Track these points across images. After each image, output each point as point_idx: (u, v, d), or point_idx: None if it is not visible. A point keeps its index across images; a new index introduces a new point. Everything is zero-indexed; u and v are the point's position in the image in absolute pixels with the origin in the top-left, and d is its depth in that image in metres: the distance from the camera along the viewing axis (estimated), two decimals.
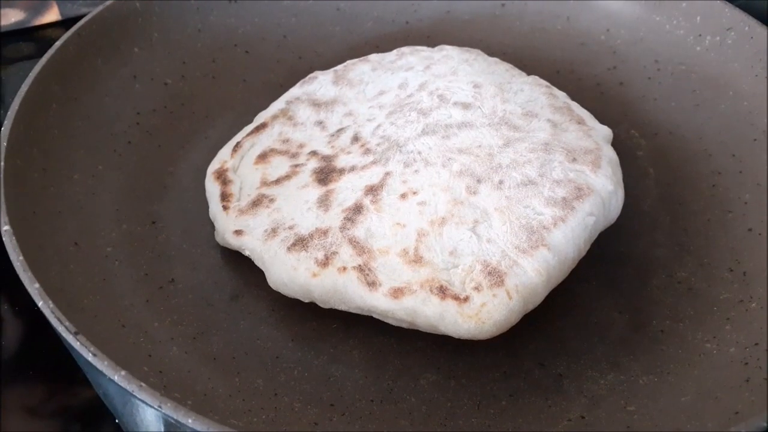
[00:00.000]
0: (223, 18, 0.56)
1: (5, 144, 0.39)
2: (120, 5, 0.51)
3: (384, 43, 0.58)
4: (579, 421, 0.35)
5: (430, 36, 0.59)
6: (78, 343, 0.29)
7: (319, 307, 0.41)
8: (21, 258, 0.33)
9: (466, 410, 0.36)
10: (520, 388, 0.37)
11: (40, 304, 0.31)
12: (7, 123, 0.40)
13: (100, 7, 0.49)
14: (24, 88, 0.43)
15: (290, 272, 0.38)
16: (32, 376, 0.40)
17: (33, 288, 0.32)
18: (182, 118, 0.51)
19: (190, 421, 0.27)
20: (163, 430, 0.31)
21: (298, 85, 0.51)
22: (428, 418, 0.35)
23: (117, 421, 0.35)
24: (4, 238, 0.34)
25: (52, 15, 0.65)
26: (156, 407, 0.27)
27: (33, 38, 0.64)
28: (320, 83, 0.51)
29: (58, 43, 0.46)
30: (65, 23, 0.64)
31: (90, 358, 0.29)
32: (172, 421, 0.27)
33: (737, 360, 0.36)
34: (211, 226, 0.44)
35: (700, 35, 0.52)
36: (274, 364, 0.38)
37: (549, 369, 0.37)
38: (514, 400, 0.36)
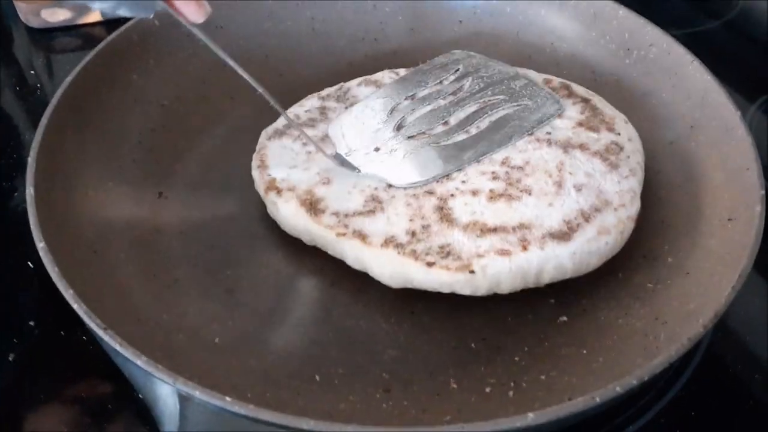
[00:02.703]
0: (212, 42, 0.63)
1: (33, 173, 0.46)
2: (119, 39, 0.58)
3: (356, 60, 0.65)
4: (510, 384, 0.43)
5: (396, 52, 0.66)
6: (108, 336, 0.37)
7: (300, 296, 0.49)
8: (56, 269, 0.41)
9: (420, 378, 0.44)
10: (464, 358, 0.45)
11: (75, 306, 0.39)
12: (32, 153, 0.48)
13: (101, 44, 0.56)
14: (44, 120, 0.50)
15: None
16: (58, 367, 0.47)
17: (68, 294, 0.40)
18: (178, 135, 0.59)
19: (197, 393, 0.35)
20: (177, 402, 0.39)
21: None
22: (391, 385, 0.43)
23: (140, 395, 0.43)
24: (40, 254, 0.42)
25: (95, 16, 0.75)
26: (171, 383, 0.35)
27: (78, 34, 0.75)
28: None
29: (69, 78, 0.53)
30: (106, 24, 0.75)
31: (118, 347, 0.37)
32: (184, 394, 0.35)
33: (640, 332, 0.44)
34: (206, 232, 0.52)
35: (628, 49, 0.59)
36: (264, 347, 0.46)
37: (489, 342, 0.46)
38: (459, 370, 0.44)
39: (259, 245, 0.52)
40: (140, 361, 0.36)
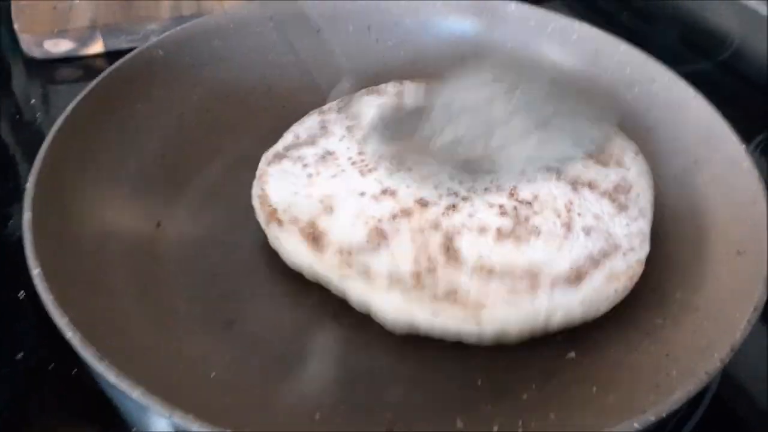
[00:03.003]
0: (216, 73, 0.63)
1: (31, 197, 0.45)
2: (125, 66, 0.57)
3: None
4: (518, 423, 0.41)
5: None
6: (103, 367, 0.36)
7: (300, 329, 0.47)
8: (51, 297, 0.39)
9: (425, 417, 0.42)
10: (470, 396, 0.43)
11: (69, 335, 0.38)
12: (31, 178, 0.47)
13: (104, 73, 0.56)
14: (44, 145, 0.49)
15: None
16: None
17: (62, 322, 0.38)
18: (178, 165, 0.58)
19: (195, 427, 0.33)
20: None
21: None
22: (395, 425, 0.42)
23: (134, 429, 0.42)
24: (35, 281, 0.40)
25: (98, 47, 0.75)
26: (167, 416, 0.34)
27: (80, 65, 0.75)
28: None
29: (72, 104, 0.53)
30: (108, 55, 0.75)
31: (113, 379, 0.35)
32: (181, 429, 0.33)
33: (651, 368, 0.43)
34: (205, 263, 0.51)
35: (629, 85, 0.60)
36: (263, 381, 0.44)
37: (496, 379, 0.44)
38: (465, 408, 0.43)
39: (260, 276, 0.51)
40: (136, 394, 0.35)
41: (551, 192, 0.50)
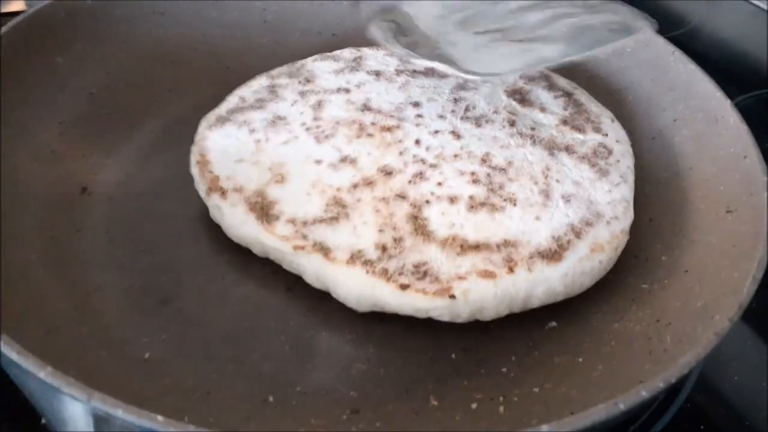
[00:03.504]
0: (150, 29, 0.56)
1: None
2: (42, 15, 0.50)
3: (311, 55, 0.59)
4: (499, 399, 0.37)
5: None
6: (2, 342, 0.29)
7: (251, 307, 0.42)
8: None
9: (394, 395, 0.37)
10: (444, 371, 0.39)
11: None
12: None
13: (20, 17, 0.49)
14: None
15: None
16: None
17: None
18: (108, 127, 0.51)
19: (120, 412, 0.27)
20: (92, 426, 0.31)
21: None
22: (360, 405, 0.37)
23: (44, 421, 0.35)
24: None
25: (18, 5, 0.66)
26: (84, 401, 0.28)
27: None
28: None
29: None
30: None
31: (14, 357, 0.29)
32: (102, 414, 0.27)
33: (641, 336, 0.39)
34: (137, 234, 0.45)
35: None
36: (206, 363, 0.38)
37: (471, 352, 0.40)
38: (439, 384, 0.38)
39: (199, 248, 0.45)
40: (44, 373, 0.28)
41: (526, 158, 0.46)
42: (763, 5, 0.80)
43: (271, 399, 0.37)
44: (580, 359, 0.39)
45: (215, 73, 0.58)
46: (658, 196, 0.48)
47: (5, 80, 0.46)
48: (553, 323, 0.41)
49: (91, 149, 0.49)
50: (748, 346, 0.46)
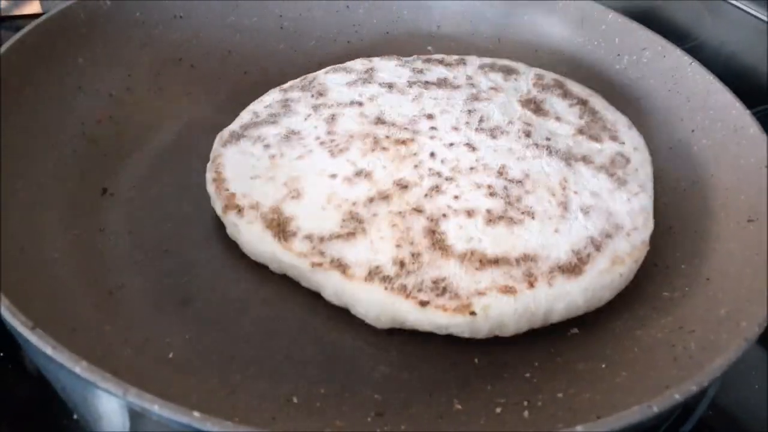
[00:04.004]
0: (169, 33, 0.57)
1: None
2: (63, 16, 0.50)
3: (327, 61, 0.60)
4: (523, 404, 0.37)
5: (370, 55, 0.61)
6: (35, 337, 0.29)
7: (270, 307, 0.42)
8: None
9: (418, 398, 0.37)
10: (467, 375, 0.38)
11: None
12: None
13: (41, 18, 0.49)
14: None
15: None
16: None
17: None
18: (127, 128, 0.51)
19: (156, 407, 0.27)
20: (128, 422, 0.31)
21: None
22: (384, 408, 0.37)
23: (75, 416, 0.34)
24: None
25: (34, 7, 0.67)
26: (120, 396, 0.27)
27: (13, 27, 0.66)
28: None
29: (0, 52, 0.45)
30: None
31: (50, 351, 0.28)
32: (138, 409, 0.27)
33: (664, 343, 0.39)
34: (157, 235, 0.45)
35: (618, 54, 0.57)
36: (228, 363, 0.38)
37: (494, 357, 0.40)
38: (462, 389, 0.38)
39: (218, 250, 0.45)
40: (80, 368, 0.28)
41: (543, 169, 0.46)
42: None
43: (295, 400, 0.37)
44: (603, 365, 0.39)
45: (232, 77, 0.58)
46: (677, 205, 0.48)
47: (28, 81, 0.46)
48: (575, 330, 0.41)
49: (111, 150, 0.49)
50: (761, 362, 0.46)
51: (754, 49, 0.78)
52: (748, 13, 0.80)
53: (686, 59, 0.52)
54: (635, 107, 0.54)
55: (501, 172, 0.45)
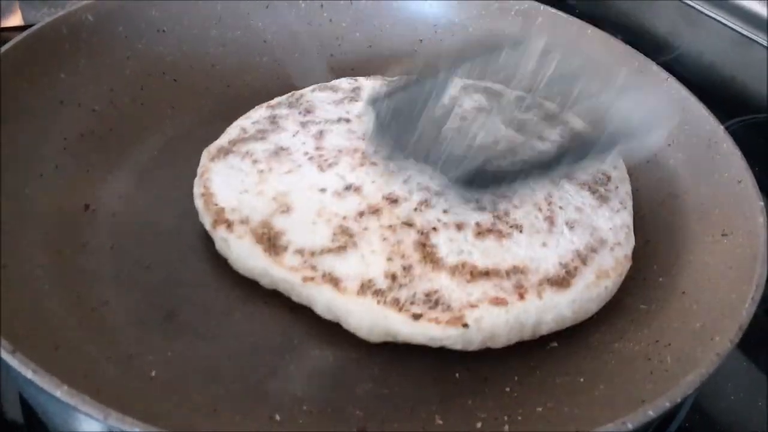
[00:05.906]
0: (152, 46, 0.57)
1: None
2: (46, 31, 0.50)
3: (310, 73, 0.60)
4: (504, 418, 0.37)
5: (354, 68, 0.62)
6: (16, 361, 0.29)
7: (256, 324, 0.42)
8: None
9: (400, 414, 0.38)
10: (448, 390, 0.39)
11: None
12: None
13: (23, 34, 0.49)
14: None
15: None
16: None
17: None
18: (110, 143, 0.51)
19: (137, 430, 0.27)
20: None
21: None
22: (366, 423, 0.37)
23: None
24: None
25: (15, 20, 0.67)
26: (101, 420, 0.28)
27: None
28: None
29: None
30: (26, 29, 0.64)
31: (30, 375, 0.29)
32: None
33: (641, 356, 0.40)
34: (141, 250, 0.45)
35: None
36: (212, 380, 0.38)
37: (474, 372, 0.40)
38: (444, 404, 0.38)
39: (203, 265, 0.45)
40: (60, 392, 0.28)
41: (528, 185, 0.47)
42: (747, 33, 0.82)
43: (278, 417, 0.37)
44: (582, 379, 0.39)
45: (216, 91, 0.58)
46: (654, 219, 0.49)
47: (9, 96, 0.46)
48: (554, 344, 0.42)
49: (94, 165, 0.49)
50: (742, 368, 0.47)
51: (731, 60, 0.79)
52: (726, 25, 0.81)
53: (663, 75, 0.53)
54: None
55: None
